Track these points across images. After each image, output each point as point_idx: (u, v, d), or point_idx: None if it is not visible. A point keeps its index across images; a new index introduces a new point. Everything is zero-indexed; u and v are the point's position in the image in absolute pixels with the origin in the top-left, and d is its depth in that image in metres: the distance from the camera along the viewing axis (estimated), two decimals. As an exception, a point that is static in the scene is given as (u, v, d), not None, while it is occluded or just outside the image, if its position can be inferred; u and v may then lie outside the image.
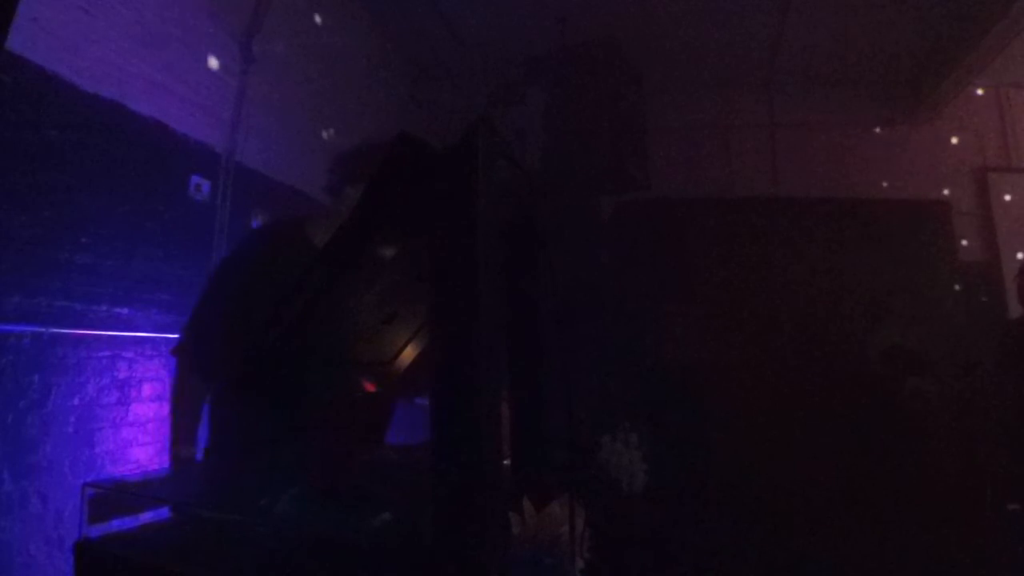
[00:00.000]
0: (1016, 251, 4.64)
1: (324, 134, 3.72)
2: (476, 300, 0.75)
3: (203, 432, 1.56)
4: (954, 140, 4.94)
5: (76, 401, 2.15)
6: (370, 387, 1.27)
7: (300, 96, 3.60)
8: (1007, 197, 4.80)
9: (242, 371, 0.94)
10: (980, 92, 4.85)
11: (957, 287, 4.41)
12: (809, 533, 3.42)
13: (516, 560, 0.87)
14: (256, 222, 1.67)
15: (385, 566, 0.76)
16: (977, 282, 4.57)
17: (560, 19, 4.03)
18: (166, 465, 1.62)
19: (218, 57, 2.94)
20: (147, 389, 2.42)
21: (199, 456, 1.53)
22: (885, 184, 4.84)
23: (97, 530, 0.95)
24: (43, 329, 2.04)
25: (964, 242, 4.66)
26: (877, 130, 5.05)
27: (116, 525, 0.97)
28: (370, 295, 0.96)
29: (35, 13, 1.99)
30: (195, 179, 2.73)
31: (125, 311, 2.35)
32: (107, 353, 2.27)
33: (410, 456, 1.27)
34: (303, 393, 1.31)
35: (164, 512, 0.99)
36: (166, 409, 2.16)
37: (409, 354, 1.25)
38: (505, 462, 0.96)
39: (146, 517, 1.00)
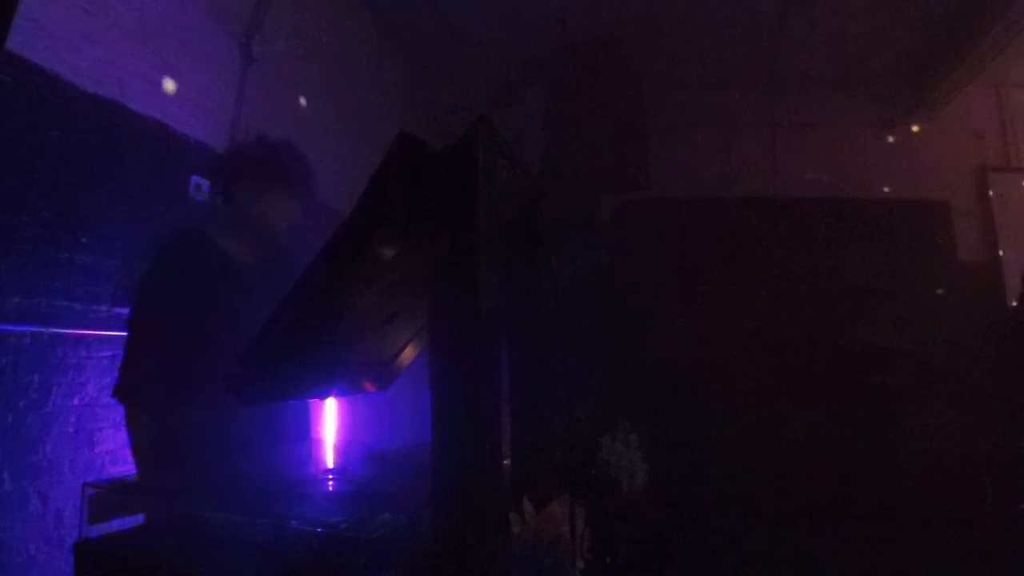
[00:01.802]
0: (1016, 251, 4.64)
1: (324, 134, 3.72)
2: (476, 300, 0.75)
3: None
4: (954, 140, 4.95)
5: (76, 401, 2.15)
6: (370, 387, 1.27)
7: (300, 96, 3.60)
8: (1007, 197, 4.80)
9: (238, 371, 0.93)
10: (980, 92, 4.85)
11: (956, 287, 4.41)
12: (809, 533, 3.42)
13: (516, 560, 0.87)
14: (221, 220, 1.71)
15: (385, 566, 0.76)
16: (977, 282, 4.57)
17: (560, 19, 4.03)
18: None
19: (218, 57, 2.94)
20: (147, 389, 2.42)
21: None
22: (885, 184, 4.84)
23: (97, 530, 0.95)
24: (43, 329, 2.04)
25: (964, 242, 4.66)
26: (877, 130, 5.05)
27: (116, 525, 0.97)
28: (370, 295, 0.96)
29: (35, 13, 1.99)
30: (195, 179, 2.73)
31: (125, 311, 2.34)
32: (107, 353, 2.27)
33: (410, 456, 1.27)
34: (301, 393, 1.31)
35: (164, 512, 0.99)
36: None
37: (409, 354, 1.25)
38: (505, 462, 0.96)
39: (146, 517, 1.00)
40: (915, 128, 4.96)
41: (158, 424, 1.51)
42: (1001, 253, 4.68)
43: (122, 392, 1.55)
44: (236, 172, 1.72)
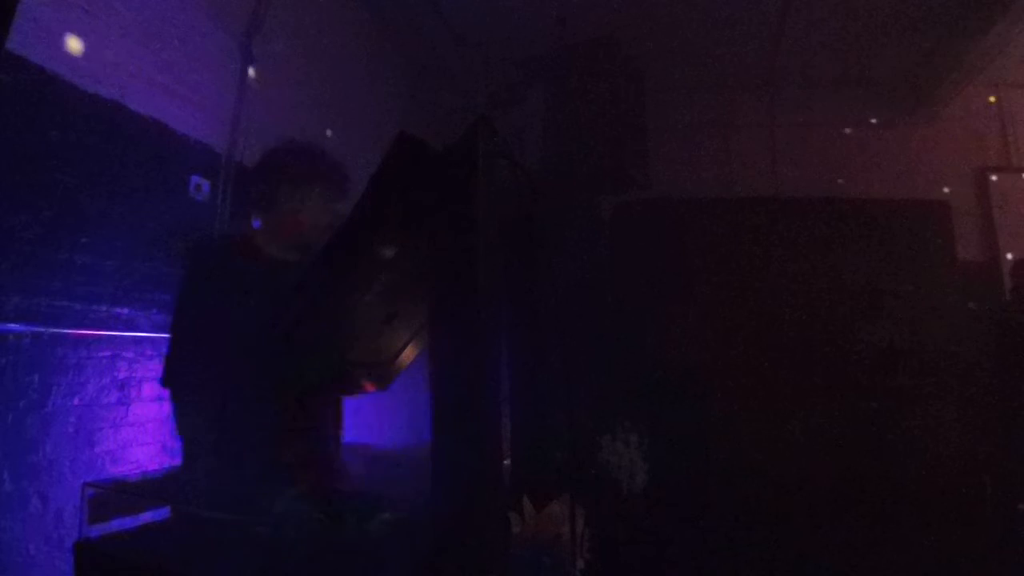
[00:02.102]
0: (1016, 251, 4.64)
1: (324, 134, 3.72)
2: (476, 300, 0.74)
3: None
4: (954, 140, 4.95)
5: (76, 401, 2.15)
6: (370, 387, 1.27)
7: (300, 96, 3.60)
8: (1007, 197, 4.80)
9: (239, 370, 0.93)
10: (980, 92, 4.85)
11: (956, 287, 4.41)
12: (809, 533, 3.42)
13: (516, 560, 0.87)
14: (257, 222, 1.69)
15: (385, 566, 0.76)
16: (977, 282, 4.57)
17: (560, 19, 4.03)
18: (166, 465, 1.61)
19: (218, 57, 2.94)
20: (147, 389, 2.42)
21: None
22: (885, 184, 4.84)
23: (97, 530, 0.95)
24: (43, 329, 2.04)
25: (964, 242, 4.66)
26: (877, 130, 5.05)
27: (116, 525, 0.97)
28: (370, 295, 0.96)
29: (35, 13, 1.99)
30: (195, 179, 2.73)
31: (125, 311, 2.35)
32: (107, 353, 2.27)
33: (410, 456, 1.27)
34: (302, 391, 1.31)
35: (164, 512, 0.99)
36: (166, 409, 2.16)
37: (409, 354, 1.25)
38: (505, 462, 0.96)
39: (146, 517, 1.00)
40: (915, 128, 4.96)
41: (199, 416, 1.52)
42: (1001, 253, 4.68)
43: (167, 381, 1.55)
44: (265, 173, 1.72)
